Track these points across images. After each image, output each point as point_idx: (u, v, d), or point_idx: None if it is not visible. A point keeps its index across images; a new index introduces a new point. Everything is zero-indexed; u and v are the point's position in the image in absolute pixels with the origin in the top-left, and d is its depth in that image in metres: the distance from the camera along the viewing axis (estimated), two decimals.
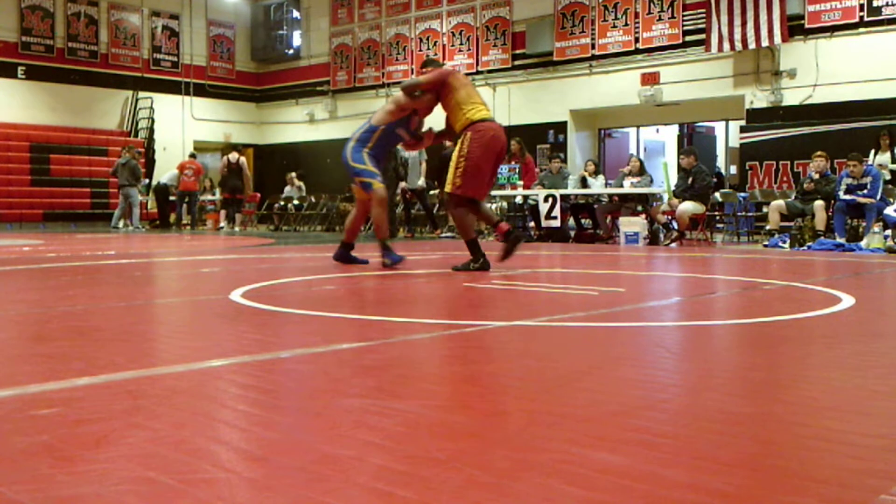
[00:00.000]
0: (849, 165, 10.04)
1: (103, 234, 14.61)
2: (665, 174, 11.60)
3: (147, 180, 18.39)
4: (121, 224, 16.42)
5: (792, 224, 10.36)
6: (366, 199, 6.03)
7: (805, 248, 9.72)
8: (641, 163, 12.02)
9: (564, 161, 13.66)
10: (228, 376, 2.25)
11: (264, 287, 4.66)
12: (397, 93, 6.10)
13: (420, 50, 18.62)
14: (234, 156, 16.45)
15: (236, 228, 16.48)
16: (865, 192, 9.81)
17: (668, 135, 17.72)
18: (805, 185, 10.57)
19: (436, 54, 17.87)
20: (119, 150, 17.60)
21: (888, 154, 11.17)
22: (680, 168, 11.42)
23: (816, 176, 10.49)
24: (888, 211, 9.51)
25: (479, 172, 5.68)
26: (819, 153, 10.56)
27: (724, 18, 13.86)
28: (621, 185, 11.79)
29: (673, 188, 11.15)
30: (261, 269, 6.33)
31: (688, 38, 14.71)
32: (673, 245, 10.54)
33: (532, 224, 12.41)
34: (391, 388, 2.14)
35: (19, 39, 18.75)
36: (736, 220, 12.60)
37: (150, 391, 2.03)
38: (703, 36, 14.28)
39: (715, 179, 13.16)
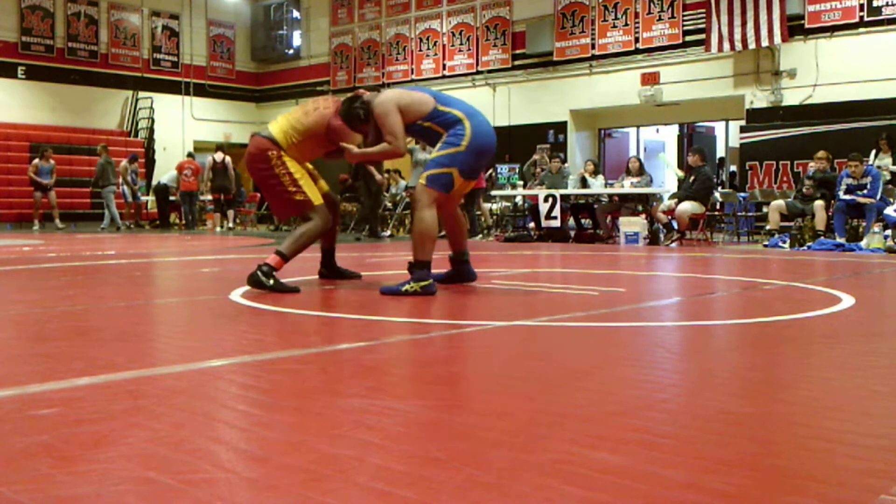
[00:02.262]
0: (849, 165, 10.03)
1: (103, 234, 14.60)
2: (665, 162, 11.66)
3: (144, 181, 18.35)
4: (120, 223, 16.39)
5: (792, 224, 10.36)
6: None
7: (805, 248, 9.71)
8: (641, 163, 12.01)
9: (564, 161, 13.65)
10: (228, 376, 2.25)
11: None
12: None
13: (420, 50, 18.61)
14: (219, 155, 16.12)
15: (236, 227, 16.43)
16: (865, 192, 9.81)
17: (668, 135, 17.71)
18: (804, 190, 10.56)
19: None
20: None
21: (889, 157, 11.17)
22: (686, 165, 11.42)
23: (811, 181, 10.52)
24: (888, 211, 9.51)
25: None
26: (818, 155, 10.55)
27: (724, 18, 13.85)
28: (621, 186, 11.79)
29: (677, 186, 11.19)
30: None
31: (688, 38, 14.69)
32: (673, 245, 10.54)
33: (532, 224, 12.41)
34: (391, 388, 2.14)
35: (19, 39, 18.73)
36: (736, 220, 12.59)
37: (149, 391, 2.03)
38: (703, 36, 14.27)
39: (716, 180, 13.18)
